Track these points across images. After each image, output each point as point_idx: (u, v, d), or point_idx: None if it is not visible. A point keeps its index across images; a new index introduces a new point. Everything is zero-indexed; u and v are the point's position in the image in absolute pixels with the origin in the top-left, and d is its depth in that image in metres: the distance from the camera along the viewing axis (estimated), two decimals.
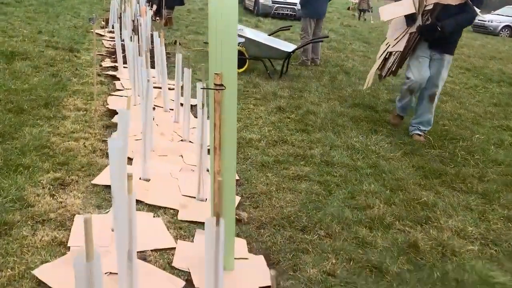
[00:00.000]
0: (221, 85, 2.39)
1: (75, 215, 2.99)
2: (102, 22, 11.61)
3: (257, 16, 16.69)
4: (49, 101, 5.02)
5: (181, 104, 5.12)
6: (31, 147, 3.86)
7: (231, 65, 2.42)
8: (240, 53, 7.73)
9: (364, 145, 4.69)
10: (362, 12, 22.23)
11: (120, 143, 2.22)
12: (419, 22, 4.89)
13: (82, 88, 5.76)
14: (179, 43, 9.73)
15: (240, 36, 7.66)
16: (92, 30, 9.94)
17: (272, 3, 16.60)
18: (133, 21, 10.84)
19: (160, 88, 5.78)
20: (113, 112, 4.95)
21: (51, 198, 3.15)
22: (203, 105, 3.34)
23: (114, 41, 9.19)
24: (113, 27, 10.65)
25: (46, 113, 4.71)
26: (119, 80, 6.36)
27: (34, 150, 3.82)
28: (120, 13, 11.57)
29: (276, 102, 6.10)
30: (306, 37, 8.66)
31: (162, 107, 5.33)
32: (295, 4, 16.80)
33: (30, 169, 3.47)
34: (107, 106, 5.11)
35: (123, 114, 2.68)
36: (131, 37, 6.24)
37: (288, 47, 7.67)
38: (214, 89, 2.39)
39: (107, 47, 8.58)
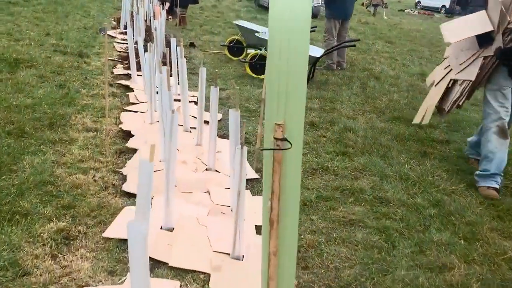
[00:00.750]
0: (284, 139, 1.69)
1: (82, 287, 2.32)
2: (113, 22, 10.93)
3: None
4: (54, 120, 4.36)
5: (205, 122, 4.46)
6: (31, 183, 3.20)
7: (298, 112, 1.71)
8: (263, 58, 7.02)
9: (419, 174, 3.97)
10: (375, 7, 21.38)
11: (143, 228, 1.53)
12: (498, 43, 3.81)
13: (92, 101, 5.09)
14: (195, 45, 9.04)
15: (262, 39, 6.94)
16: (103, 37, 9.28)
17: None
18: (146, 20, 10.15)
19: (178, 100, 5.11)
20: (127, 133, 4.28)
21: (53, 261, 2.48)
22: (242, 144, 2.63)
23: (126, 43, 8.52)
24: (125, 28, 9.99)
25: (51, 135, 4.04)
26: (133, 91, 5.68)
27: (35, 188, 3.16)
28: (132, 12, 10.90)
29: (307, 116, 5.39)
30: (330, 39, 7.91)
31: (182, 125, 4.65)
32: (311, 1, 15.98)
33: (29, 218, 2.81)
34: (120, 126, 4.44)
35: (145, 167, 1.98)
36: (145, 45, 5.56)
37: (316, 51, 6.94)
38: (275, 149, 1.68)
39: (119, 51, 7.90)
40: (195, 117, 4.90)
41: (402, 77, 7.93)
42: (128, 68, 6.50)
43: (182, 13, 11.47)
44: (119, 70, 6.61)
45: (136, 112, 4.91)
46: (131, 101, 5.28)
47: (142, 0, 8.60)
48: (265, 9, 17.20)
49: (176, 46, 5.18)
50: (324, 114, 5.50)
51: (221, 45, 8.62)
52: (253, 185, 3.61)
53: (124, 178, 3.47)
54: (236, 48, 8.36)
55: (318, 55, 6.75)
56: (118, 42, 8.62)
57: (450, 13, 24.62)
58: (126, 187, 3.29)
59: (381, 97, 6.53)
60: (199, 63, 4.52)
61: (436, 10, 25.46)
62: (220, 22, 12.75)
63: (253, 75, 7.02)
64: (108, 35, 9.26)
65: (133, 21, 7.68)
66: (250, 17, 14.26)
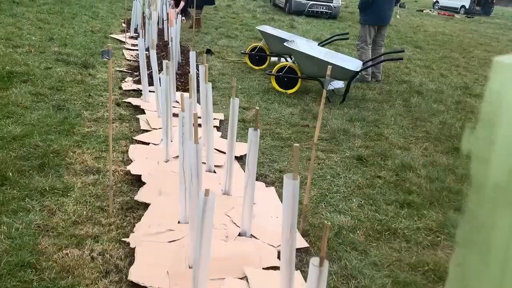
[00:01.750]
0: None
1: None
2: (123, 25, 10.00)
3: (289, 14, 14.89)
4: (46, 158, 3.42)
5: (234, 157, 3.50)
6: (4, 268, 2.28)
7: None
8: (291, 71, 6.04)
9: None
10: None
11: None
12: None
13: (95, 128, 4.15)
14: (212, 52, 8.07)
15: (292, 49, 5.96)
16: (110, 38, 8.34)
17: (306, 0, 14.77)
18: (158, 23, 9.21)
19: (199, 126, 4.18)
20: (137, 178, 3.34)
21: None
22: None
23: (136, 49, 7.58)
24: (135, 31, 9.05)
25: (40, 182, 3.11)
26: (144, 112, 4.74)
27: (8, 275, 2.24)
28: (143, 14, 9.94)
29: (351, 146, 4.42)
30: (364, 47, 6.91)
31: (204, 163, 3.70)
32: (331, 1, 14.94)
33: None
34: (128, 167, 3.49)
35: None
36: (158, 60, 4.63)
37: (354, 64, 5.94)
38: None
39: (129, 60, 6.95)
40: (220, 151, 3.96)
41: (446, 92, 6.91)
42: (139, 81, 5.56)
43: (197, 15, 10.50)
44: (129, 84, 5.66)
45: (148, 144, 3.96)
46: (142, 127, 4.34)
47: (154, 2, 7.65)
48: (281, 9, 16.19)
49: (197, 67, 4.22)
50: (371, 144, 4.52)
51: (241, 53, 7.64)
52: (302, 259, 2.66)
53: (131, 253, 2.53)
54: (258, 57, 7.39)
55: (357, 69, 5.76)
56: (127, 49, 7.68)
57: (470, 13, 23.42)
58: (134, 274, 2.34)
59: (430, 118, 5.52)
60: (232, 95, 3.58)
61: (455, 10, 24.25)
62: (237, 24, 11.76)
63: (280, 89, 6.05)
64: (117, 39, 8.33)
65: (144, 27, 6.74)
66: (267, 18, 13.26)
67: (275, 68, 6.13)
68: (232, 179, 3.32)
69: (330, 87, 6.17)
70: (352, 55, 8.59)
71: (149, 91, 5.18)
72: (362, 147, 4.41)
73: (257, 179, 3.57)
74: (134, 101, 5.02)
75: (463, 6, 24.54)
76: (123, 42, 8.08)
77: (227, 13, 13.85)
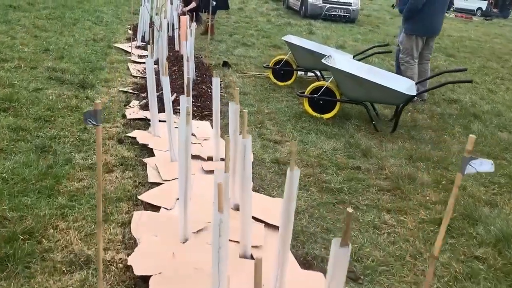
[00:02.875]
0: None
1: None
2: (129, 31, 8.89)
3: (305, 17, 13.72)
4: (13, 246, 2.33)
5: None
6: None
7: None
8: (328, 92, 4.92)
9: None
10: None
11: None
12: None
13: (88, 182, 3.05)
14: (229, 65, 6.95)
15: (331, 67, 4.83)
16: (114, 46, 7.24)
17: (323, 2, 13.57)
18: (168, 30, 8.08)
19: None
20: (143, 279, 2.24)
21: None
22: None
23: (144, 62, 6.47)
24: (142, 39, 7.94)
25: None
26: (153, 153, 3.63)
27: None
28: (151, 19, 8.84)
29: (423, 201, 3.29)
30: (410, 62, 5.75)
31: (237, 242, 2.59)
32: (349, 4, 13.76)
33: None
34: (129, 260, 2.37)
35: None
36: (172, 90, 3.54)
37: (405, 85, 4.79)
38: None
39: (135, 76, 5.83)
40: (258, 220, 2.84)
41: (506, 114, 5.75)
42: (146, 106, 4.45)
43: (210, 20, 9.37)
44: (134, 110, 4.54)
45: (158, 210, 2.85)
46: (150, 178, 3.22)
47: (164, 8, 6.53)
48: (295, 12, 15.03)
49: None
50: (447, 196, 3.40)
51: (264, 67, 6.51)
52: None
53: None
54: (283, 71, 6.26)
55: (410, 91, 4.60)
56: (133, 61, 6.56)
57: (487, 16, 22.14)
58: None
59: (503, 154, 4.38)
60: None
61: (471, 12, 22.96)
62: (252, 30, 10.62)
63: (315, 114, 4.94)
64: (122, 49, 7.23)
65: (153, 38, 5.63)
66: (283, 23, 12.11)
67: (308, 89, 5.00)
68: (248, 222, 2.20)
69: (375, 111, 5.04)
70: (383, 66, 7.46)
71: (159, 121, 4.08)
72: (438, 204, 3.28)
73: (308, 263, 2.49)
74: (140, 136, 3.91)
75: (479, 8, 23.23)
76: (129, 53, 6.97)
77: (240, 17, 12.70)
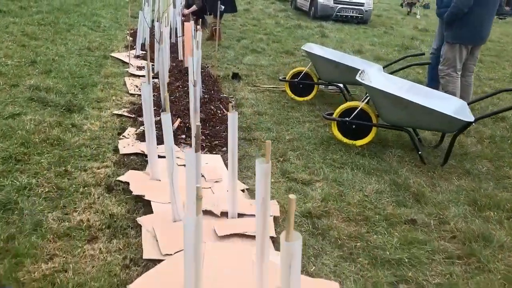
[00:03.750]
0: None
1: None
2: (129, 38, 8.02)
3: (314, 18, 12.79)
4: None
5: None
6: None
7: None
8: (362, 115, 4.04)
9: None
10: (410, 6, 18.27)
11: None
12: None
13: (61, 262, 2.19)
14: (240, 77, 6.07)
15: (368, 87, 3.94)
16: (111, 56, 6.34)
17: (334, 3, 12.62)
18: (171, 37, 7.21)
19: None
20: None
21: None
22: None
23: (143, 75, 5.61)
24: (143, 47, 7.05)
25: None
26: (150, 207, 2.76)
27: None
28: (152, 26, 7.97)
29: (509, 275, 2.44)
30: (451, 74, 4.85)
31: None
32: (362, 4, 12.82)
33: None
34: None
35: None
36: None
37: (454, 105, 3.88)
38: None
39: (132, 95, 4.94)
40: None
41: None
42: (143, 136, 3.56)
43: (215, 25, 8.49)
44: (129, 141, 3.67)
45: None
46: (145, 254, 2.34)
47: (165, 14, 5.65)
48: (304, 13, 14.10)
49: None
50: None
51: (280, 80, 5.61)
52: None
53: None
54: (302, 85, 5.38)
55: (468, 117, 3.70)
56: (132, 75, 5.69)
57: (500, 14, 21.09)
58: None
59: None
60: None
61: None
62: (261, 34, 9.72)
63: (346, 140, 4.06)
64: (119, 59, 6.36)
65: (152, 50, 4.75)
66: (293, 25, 11.20)
67: (338, 110, 4.12)
68: None
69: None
70: (410, 77, 6.56)
71: (159, 156, 3.22)
72: None
73: None
74: (134, 180, 3.03)
75: None
76: (127, 64, 6.10)
77: (246, 19, 11.79)
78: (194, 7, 9.03)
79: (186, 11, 8.52)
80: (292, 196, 1.35)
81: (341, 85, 5.33)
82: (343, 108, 4.12)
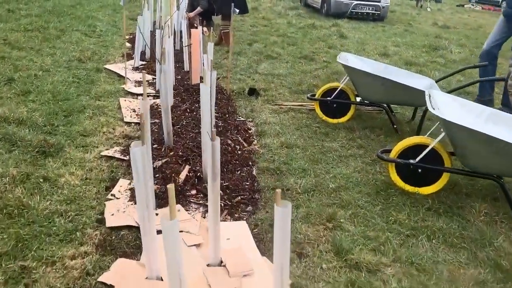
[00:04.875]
0: None
1: None
2: (127, 44, 6.92)
3: (327, 16, 11.62)
4: None
5: None
6: None
7: None
8: (433, 156, 2.95)
9: None
10: (417, 0, 17.29)
11: None
12: None
13: None
14: (258, 93, 4.98)
15: (442, 119, 2.84)
16: (106, 68, 5.22)
17: None
18: (175, 42, 6.10)
19: None
20: None
21: None
22: None
23: (141, 93, 4.54)
24: (142, 56, 5.95)
25: None
26: None
27: None
28: (153, 30, 6.90)
29: None
30: None
31: None
32: (379, 0, 11.64)
33: None
34: None
35: None
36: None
37: None
38: None
39: (128, 123, 3.83)
40: None
41: None
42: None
43: (224, 28, 7.38)
44: (120, 204, 2.60)
45: None
46: None
47: (167, 23, 4.55)
48: (315, 10, 12.92)
49: None
50: None
51: (309, 98, 4.49)
52: None
53: None
54: (336, 104, 4.28)
55: None
56: (128, 93, 4.60)
57: None
58: None
59: None
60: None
61: (495, 3, 20.64)
62: (273, 36, 8.58)
63: (408, 188, 2.98)
64: (114, 72, 5.28)
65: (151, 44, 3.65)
66: (307, 25, 10.04)
67: (398, 148, 3.03)
68: None
69: None
70: (444, 88, 5.45)
71: (158, 231, 2.15)
72: None
73: None
74: (123, 283, 1.98)
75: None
76: (123, 79, 5.01)
77: (256, 19, 10.63)
78: (198, 9, 7.93)
79: (191, 14, 7.42)
80: None
81: (384, 104, 4.23)
82: (404, 145, 3.03)
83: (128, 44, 6.82)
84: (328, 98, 4.24)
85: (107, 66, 5.44)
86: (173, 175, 2.81)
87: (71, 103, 4.05)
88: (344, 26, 10.30)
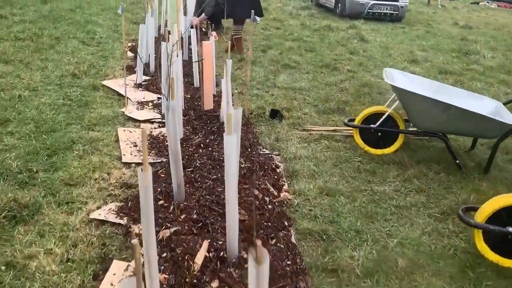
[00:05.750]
0: None
1: None
2: (129, 53, 6.09)
3: (342, 16, 10.72)
4: None
5: None
6: None
7: None
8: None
9: None
10: None
11: None
12: None
13: None
14: (281, 115, 4.14)
15: None
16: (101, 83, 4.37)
17: None
18: (183, 53, 5.24)
19: None
20: None
21: None
22: None
23: (146, 121, 3.72)
24: (145, 68, 5.12)
25: None
26: None
27: None
28: (157, 36, 6.09)
29: None
30: None
31: None
32: None
33: None
34: None
35: None
36: None
37: None
38: None
39: (127, 165, 2.97)
40: None
41: None
42: None
43: (236, 33, 6.52)
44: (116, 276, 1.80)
45: None
46: None
47: (176, 28, 3.71)
48: (327, 10, 12.01)
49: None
50: None
51: (347, 125, 3.63)
52: None
53: None
54: (381, 133, 3.44)
55: None
56: (129, 119, 3.77)
57: None
58: None
59: None
60: None
61: (510, 1, 19.60)
62: (288, 40, 7.71)
63: (507, 263, 2.16)
64: (113, 90, 4.45)
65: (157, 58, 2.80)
66: (322, 27, 9.13)
67: (487, 211, 2.20)
68: None
69: None
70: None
71: None
72: None
73: None
74: None
75: None
76: (123, 98, 4.17)
77: (266, 20, 9.74)
78: (202, 16, 7.09)
79: (196, 21, 6.58)
80: None
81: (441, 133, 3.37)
82: (494, 209, 2.19)
83: (130, 54, 5.99)
84: (372, 126, 3.40)
85: (105, 83, 4.62)
86: (186, 256, 1.98)
87: (58, 136, 3.23)
88: (362, 27, 9.40)
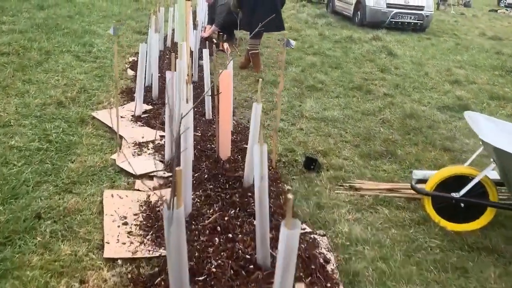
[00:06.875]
0: None
1: None
2: (129, 72, 5.11)
3: (361, 26, 9.70)
4: None
5: None
6: None
7: None
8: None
9: None
10: (443, 2, 15.61)
11: None
12: None
13: None
14: (319, 165, 3.13)
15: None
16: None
17: (388, 7, 9.50)
18: (193, 65, 4.15)
19: None
20: None
21: None
22: None
23: (140, 176, 2.73)
24: (147, 97, 4.12)
25: None
26: None
27: None
28: (163, 50, 5.11)
29: None
30: None
31: None
32: (421, 8, 9.68)
33: None
34: None
35: None
36: None
37: None
38: None
39: (112, 262, 2.02)
40: None
41: None
42: None
43: (253, 48, 5.51)
44: None
45: None
46: None
47: (187, 77, 2.73)
48: (345, 18, 10.98)
49: None
50: None
51: (415, 190, 2.61)
52: None
53: None
54: (463, 204, 2.45)
55: None
56: (121, 170, 2.78)
57: None
58: None
59: None
60: None
61: None
62: (310, 54, 6.70)
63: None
64: (106, 125, 3.47)
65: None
66: (342, 38, 8.11)
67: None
68: None
69: None
70: None
71: None
72: None
73: None
74: None
75: None
76: (113, 135, 3.19)
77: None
78: (213, 27, 6.12)
79: (205, 34, 5.59)
80: None
81: None
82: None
83: (130, 72, 5.01)
84: (454, 195, 2.39)
85: (96, 114, 3.63)
86: None
87: (19, 208, 2.24)
88: (387, 39, 8.37)
